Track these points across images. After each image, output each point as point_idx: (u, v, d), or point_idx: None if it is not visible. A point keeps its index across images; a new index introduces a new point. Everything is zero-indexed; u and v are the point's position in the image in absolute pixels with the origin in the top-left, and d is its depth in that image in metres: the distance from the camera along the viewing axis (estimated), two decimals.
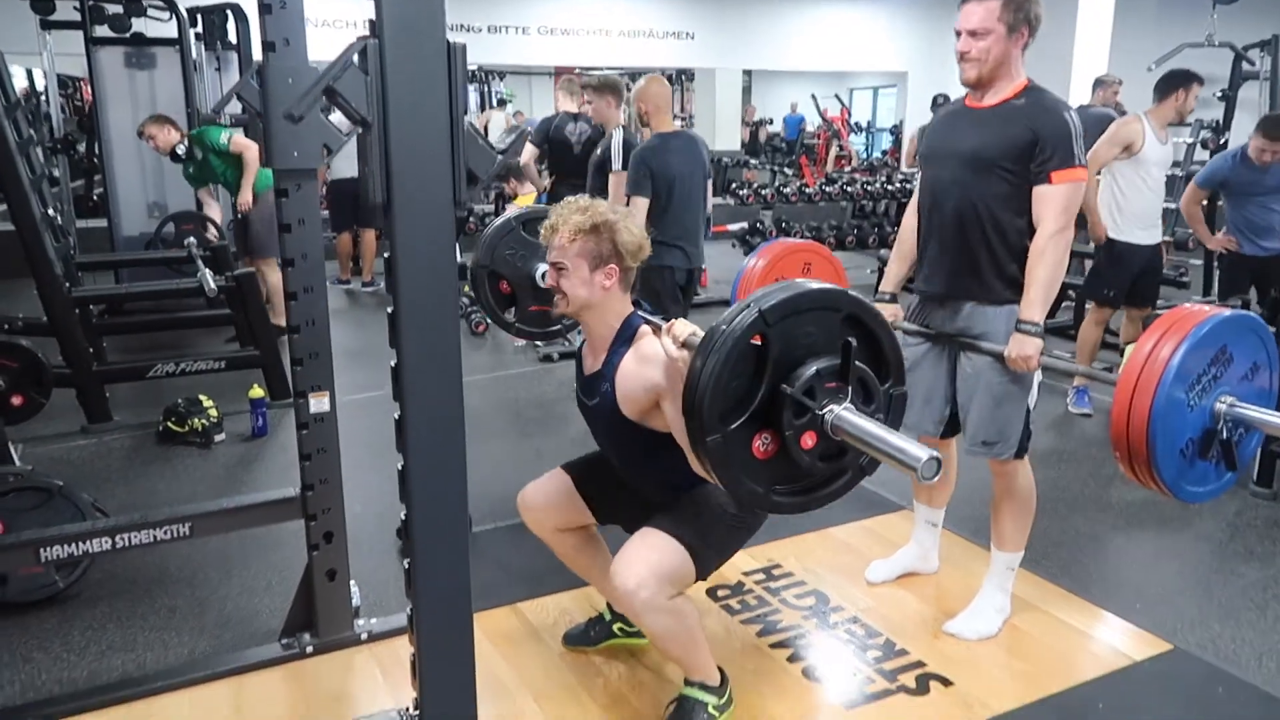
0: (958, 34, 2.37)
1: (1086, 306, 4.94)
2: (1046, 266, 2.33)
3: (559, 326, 2.77)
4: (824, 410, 1.48)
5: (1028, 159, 2.31)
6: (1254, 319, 2.02)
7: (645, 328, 2.09)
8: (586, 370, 2.20)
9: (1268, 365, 2.04)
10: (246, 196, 5.46)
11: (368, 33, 1.39)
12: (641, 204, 3.72)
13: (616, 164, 4.23)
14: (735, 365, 1.46)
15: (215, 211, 5.81)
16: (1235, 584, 2.99)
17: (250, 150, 5.39)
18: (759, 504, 1.56)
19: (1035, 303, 2.35)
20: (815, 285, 1.52)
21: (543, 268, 2.42)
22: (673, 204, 3.79)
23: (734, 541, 2.15)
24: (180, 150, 5.40)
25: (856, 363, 1.51)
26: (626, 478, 2.26)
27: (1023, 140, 2.30)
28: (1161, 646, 2.55)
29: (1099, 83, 6.64)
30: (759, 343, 1.48)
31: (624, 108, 4.49)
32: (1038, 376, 2.51)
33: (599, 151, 4.51)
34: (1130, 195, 4.37)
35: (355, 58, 1.39)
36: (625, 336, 2.09)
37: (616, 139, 4.29)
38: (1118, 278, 4.49)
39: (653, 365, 1.99)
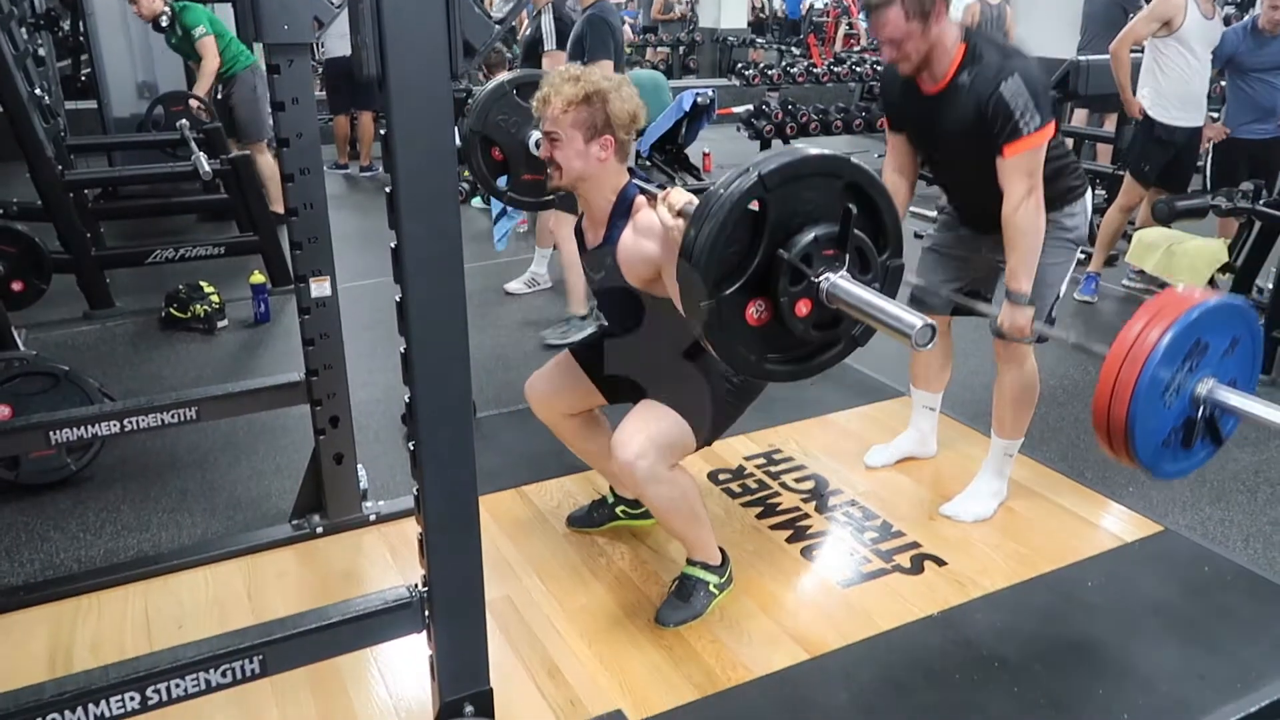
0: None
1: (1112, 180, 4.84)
2: (1023, 234, 2.29)
3: (551, 196, 2.68)
4: (820, 278, 1.46)
5: (989, 130, 2.24)
6: (1238, 305, 1.97)
7: (641, 198, 2.05)
8: (589, 245, 2.18)
9: (1248, 337, 1.99)
10: (202, 89, 5.35)
11: None
12: (607, 66, 3.67)
13: (550, 43, 4.07)
14: (732, 230, 1.43)
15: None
16: (1229, 468, 3.04)
17: (209, 59, 5.31)
18: (751, 371, 1.56)
19: (1019, 272, 2.33)
20: (816, 151, 1.48)
21: (536, 135, 2.36)
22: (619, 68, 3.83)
23: (733, 410, 2.17)
24: (164, 21, 5.22)
25: (855, 231, 1.48)
26: (632, 346, 2.25)
27: (975, 119, 2.25)
28: (1153, 528, 2.61)
29: None
30: (756, 208, 1.45)
31: None
32: (1070, 268, 2.52)
33: (528, 31, 4.30)
34: (1170, 73, 4.22)
35: None
36: (622, 209, 2.07)
37: (547, 17, 4.09)
38: (1155, 155, 4.38)
39: (650, 236, 1.97)
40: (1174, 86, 4.23)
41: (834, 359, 1.59)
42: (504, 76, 2.52)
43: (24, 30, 4.80)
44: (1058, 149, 2.40)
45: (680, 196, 1.82)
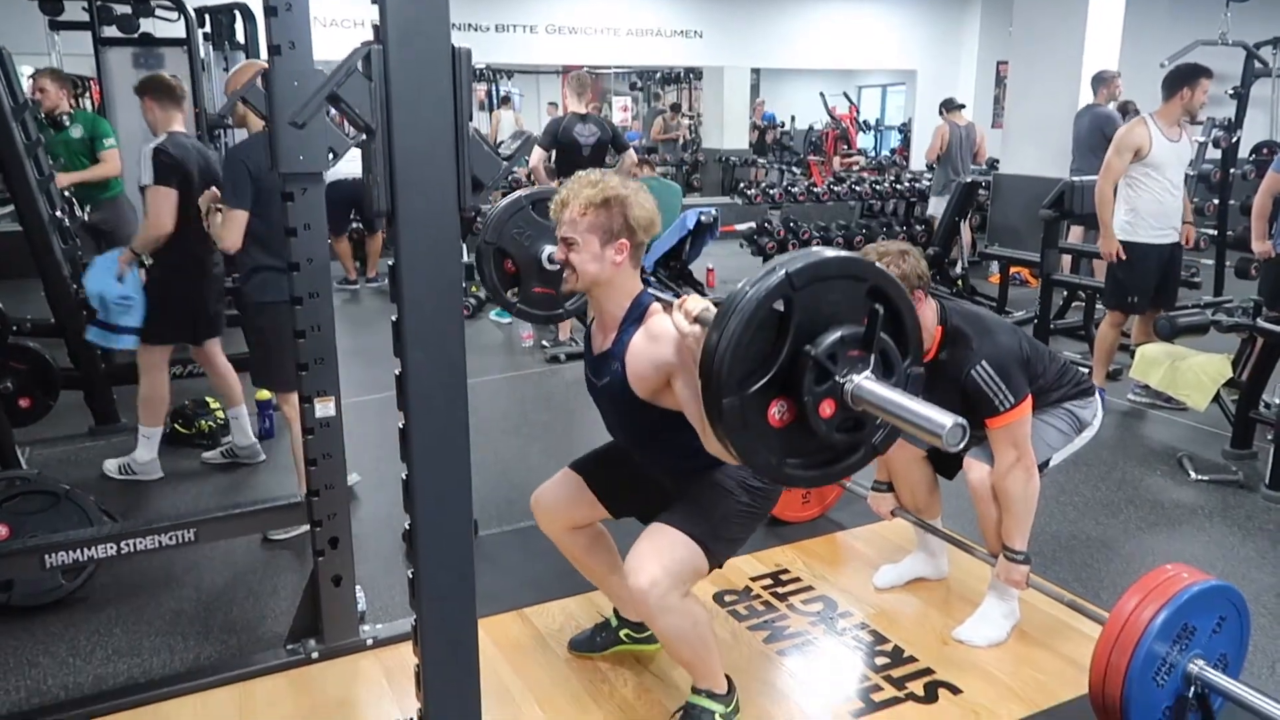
0: None
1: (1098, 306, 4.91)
2: (1014, 499, 2.45)
3: (560, 310, 2.66)
4: (845, 379, 1.44)
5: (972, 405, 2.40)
6: (1223, 586, 2.12)
7: (656, 305, 2.04)
8: (595, 349, 2.16)
9: (1236, 618, 2.16)
10: (73, 178, 5.14)
11: (372, 38, 1.38)
12: (240, 218, 3.00)
13: (146, 178, 3.44)
14: (757, 328, 1.41)
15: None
16: (1247, 590, 2.95)
17: (110, 168, 5.22)
18: (772, 474, 1.52)
19: (1013, 533, 2.48)
20: (842, 253, 1.48)
21: (549, 249, 2.37)
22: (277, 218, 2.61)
23: (745, 529, 2.12)
24: (65, 120, 5.23)
25: (881, 334, 1.47)
26: (637, 459, 2.24)
27: (959, 398, 2.40)
28: None
29: (1098, 80, 6.61)
30: (781, 308, 1.43)
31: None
32: (1069, 443, 2.65)
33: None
34: (1144, 195, 4.33)
35: (359, 63, 1.37)
36: (635, 315, 2.05)
37: (146, 148, 3.45)
38: (1139, 282, 4.43)
39: (663, 343, 1.94)
40: (1150, 206, 4.33)
41: (855, 465, 1.55)
42: (522, 192, 2.56)
43: (48, 155, 4.96)
44: (1059, 369, 2.62)
45: (697, 303, 1.78)
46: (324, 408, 2.34)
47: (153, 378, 3.69)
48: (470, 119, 1.42)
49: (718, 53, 11.85)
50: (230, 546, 3.15)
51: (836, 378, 1.44)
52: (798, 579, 2.93)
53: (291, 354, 2.70)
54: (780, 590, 2.86)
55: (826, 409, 1.45)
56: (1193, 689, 2.06)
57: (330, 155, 2.19)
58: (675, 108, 15.75)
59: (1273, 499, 3.58)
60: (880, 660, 2.51)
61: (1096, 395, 2.68)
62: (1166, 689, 2.05)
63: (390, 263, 1.41)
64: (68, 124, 5.28)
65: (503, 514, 3.41)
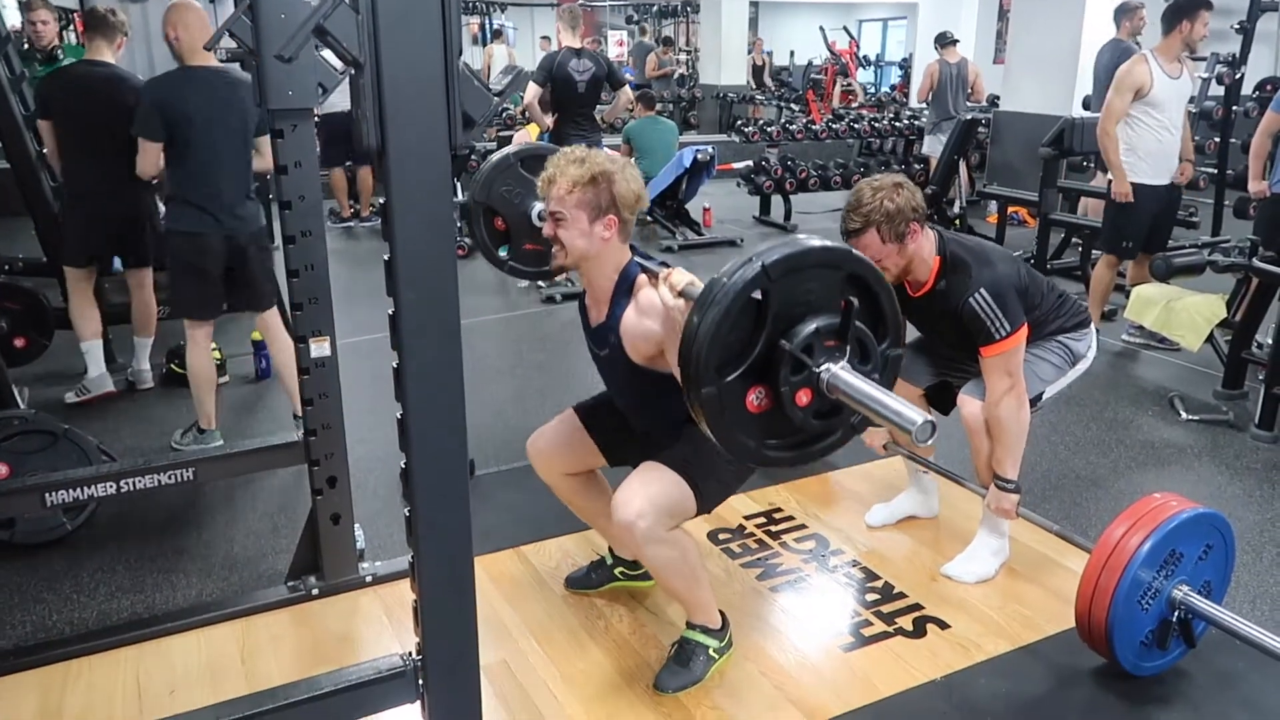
0: None
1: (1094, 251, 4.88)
2: (1005, 428, 2.46)
3: (549, 268, 2.72)
4: (821, 369, 1.48)
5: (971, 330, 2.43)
6: (1210, 514, 2.16)
7: (643, 277, 2.08)
8: (592, 322, 2.20)
9: (1222, 545, 2.22)
10: None
11: None
12: (151, 149, 3.20)
13: None
14: (734, 318, 1.45)
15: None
16: (1233, 527, 3.00)
17: None
18: (750, 458, 1.57)
19: (1004, 462, 2.51)
20: (819, 242, 1.52)
21: (539, 206, 2.40)
22: (191, 153, 3.18)
23: (736, 477, 2.16)
24: (59, 54, 5.19)
25: (856, 323, 1.50)
26: (635, 419, 2.28)
27: (957, 324, 2.44)
28: None
29: (1121, 11, 6.43)
30: (759, 297, 1.46)
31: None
32: (1062, 377, 2.65)
33: None
34: (1143, 134, 4.28)
35: None
36: (624, 288, 2.09)
37: None
38: (1133, 225, 4.41)
39: (651, 316, 2.00)
40: (1149, 146, 4.29)
41: (832, 446, 1.61)
42: (510, 150, 2.57)
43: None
44: (1056, 299, 2.63)
45: (681, 277, 1.85)
46: (319, 347, 2.34)
47: (73, 299, 3.85)
48: (460, 54, 1.40)
49: None
50: (230, 485, 3.18)
51: (812, 368, 1.47)
52: (791, 517, 2.97)
53: (191, 282, 3.27)
54: (773, 529, 2.90)
55: (803, 398, 1.49)
56: (1176, 613, 2.11)
57: (320, 90, 2.15)
58: (668, 41, 15.46)
59: (1261, 438, 3.62)
60: (870, 597, 2.55)
61: (1091, 327, 2.69)
62: (1151, 613, 2.11)
63: (381, 201, 1.40)
64: (60, 58, 5.19)
65: (499, 453, 3.43)
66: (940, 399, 2.80)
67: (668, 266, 1.97)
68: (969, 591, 2.57)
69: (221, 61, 5.45)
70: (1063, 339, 2.63)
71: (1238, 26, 7.67)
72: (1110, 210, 4.51)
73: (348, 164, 7.45)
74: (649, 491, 2.02)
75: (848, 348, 1.50)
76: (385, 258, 1.40)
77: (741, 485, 2.20)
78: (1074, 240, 6.12)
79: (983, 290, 2.38)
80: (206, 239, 3.22)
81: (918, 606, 2.50)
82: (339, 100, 6.54)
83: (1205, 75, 6.73)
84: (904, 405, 1.43)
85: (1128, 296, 4.45)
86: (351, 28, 1.34)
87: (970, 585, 2.59)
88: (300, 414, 3.49)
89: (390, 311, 1.43)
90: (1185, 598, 2.11)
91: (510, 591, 2.56)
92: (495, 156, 2.56)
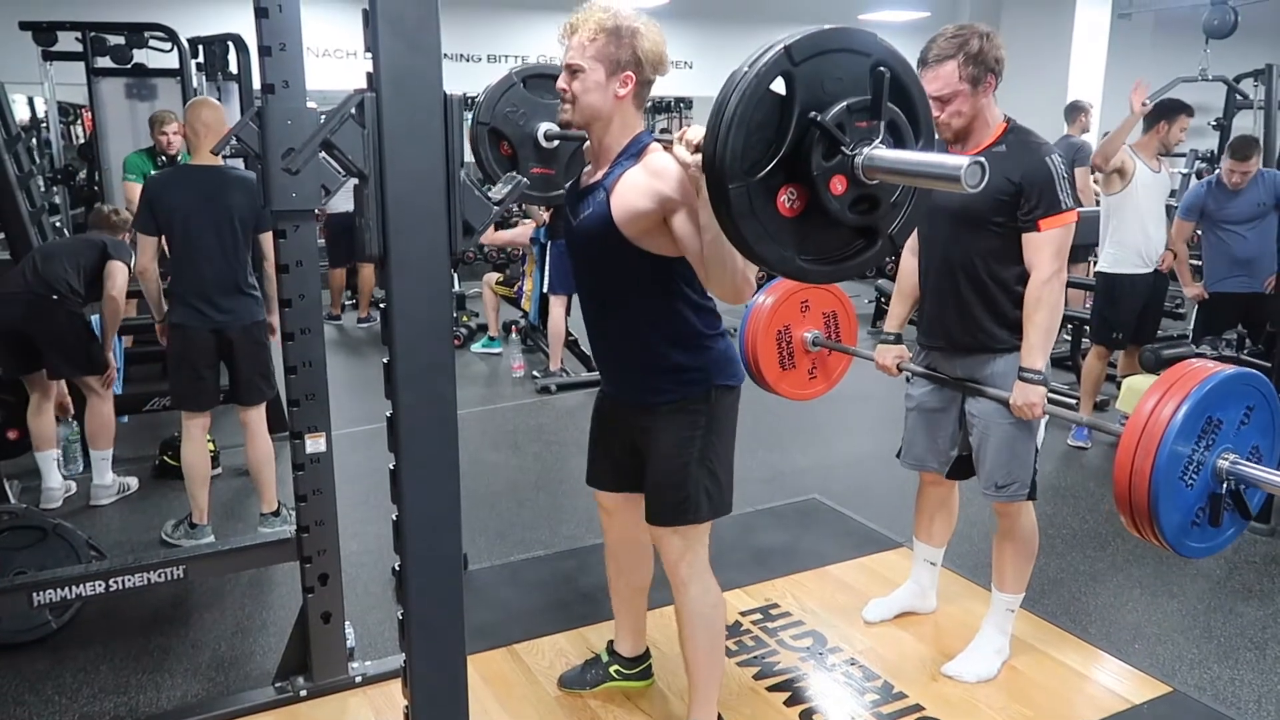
0: None
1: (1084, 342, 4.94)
2: (1044, 313, 2.32)
3: (558, 192, 2.41)
4: (855, 151, 1.38)
5: (1014, 208, 2.29)
6: (1246, 374, 2.00)
7: (656, 144, 1.94)
8: (581, 183, 2.04)
9: (1265, 406, 2.02)
10: None
11: (365, 85, 1.40)
12: (146, 243, 3.35)
13: None
14: (758, 108, 1.35)
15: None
16: (1234, 623, 2.97)
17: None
18: (786, 269, 1.46)
19: (1035, 349, 2.33)
20: (845, 27, 1.43)
21: (545, 126, 2.27)
22: (178, 247, 3.30)
23: (722, 464, 2.08)
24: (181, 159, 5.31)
25: (889, 103, 1.40)
26: (603, 341, 2.12)
27: (1007, 191, 2.28)
28: (1161, 689, 2.53)
29: (1073, 109, 6.64)
30: (784, 91, 1.38)
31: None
32: (1044, 417, 2.49)
33: None
34: (1128, 224, 4.37)
35: (352, 111, 1.39)
36: (633, 150, 1.94)
37: None
38: (1121, 315, 4.47)
39: (665, 178, 1.83)
40: (1133, 238, 4.37)
41: (871, 260, 1.51)
42: (515, 67, 2.39)
43: (41, 182, 4.97)
44: None
45: (698, 132, 1.63)
46: (315, 443, 2.35)
47: (30, 407, 3.83)
48: (461, 163, 1.44)
49: (708, 82, 11.95)
50: (219, 581, 3.14)
51: (845, 149, 1.37)
52: (788, 613, 2.93)
53: (182, 374, 3.36)
54: (770, 625, 2.86)
55: (838, 185, 1.39)
56: (1225, 485, 1.93)
57: (323, 193, 2.21)
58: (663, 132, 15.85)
59: (1258, 531, 3.60)
60: (870, 697, 2.51)
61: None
62: (1197, 489, 1.92)
63: (383, 306, 1.43)
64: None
65: (493, 548, 3.40)
66: (960, 469, 2.67)
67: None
68: (970, 691, 2.52)
69: (226, 158, 5.63)
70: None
71: (1215, 123, 7.92)
72: (1098, 302, 4.59)
73: (350, 263, 7.54)
74: (675, 550, 2.07)
75: (881, 125, 1.39)
76: (385, 360, 1.43)
77: (729, 453, 2.10)
78: (1062, 331, 6.20)
79: (1058, 155, 2.28)
80: (193, 331, 3.29)
81: (918, 708, 2.45)
82: (343, 202, 6.69)
83: (1186, 171, 6.92)
84: (944, 156, 1.32)
85: (1119, 387, 4.48)
86: (357, 141, 1.39)
87: (971, 684, 2.55)
88: (267, 512, 3.52)
89: (388, 414, 1.45)
90: (1233, 466, 1.91)
91: (502, 692, 2.51)
92: (497, 78, 2.38)
